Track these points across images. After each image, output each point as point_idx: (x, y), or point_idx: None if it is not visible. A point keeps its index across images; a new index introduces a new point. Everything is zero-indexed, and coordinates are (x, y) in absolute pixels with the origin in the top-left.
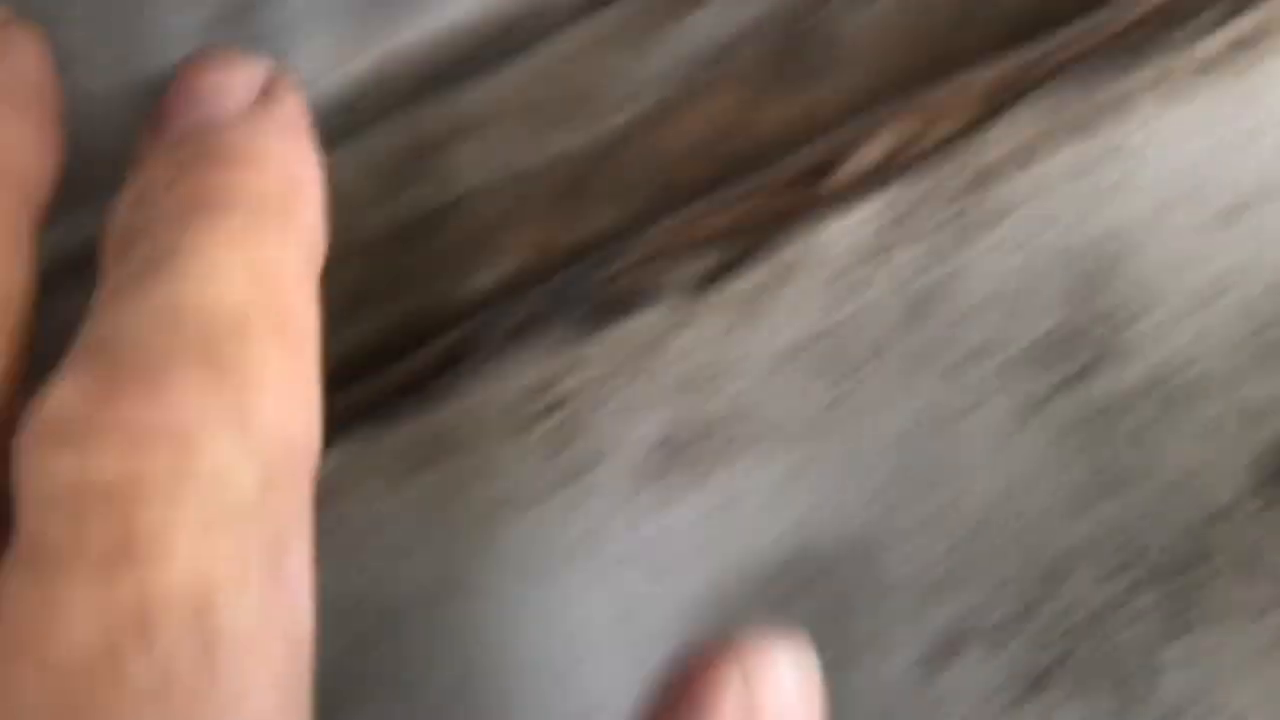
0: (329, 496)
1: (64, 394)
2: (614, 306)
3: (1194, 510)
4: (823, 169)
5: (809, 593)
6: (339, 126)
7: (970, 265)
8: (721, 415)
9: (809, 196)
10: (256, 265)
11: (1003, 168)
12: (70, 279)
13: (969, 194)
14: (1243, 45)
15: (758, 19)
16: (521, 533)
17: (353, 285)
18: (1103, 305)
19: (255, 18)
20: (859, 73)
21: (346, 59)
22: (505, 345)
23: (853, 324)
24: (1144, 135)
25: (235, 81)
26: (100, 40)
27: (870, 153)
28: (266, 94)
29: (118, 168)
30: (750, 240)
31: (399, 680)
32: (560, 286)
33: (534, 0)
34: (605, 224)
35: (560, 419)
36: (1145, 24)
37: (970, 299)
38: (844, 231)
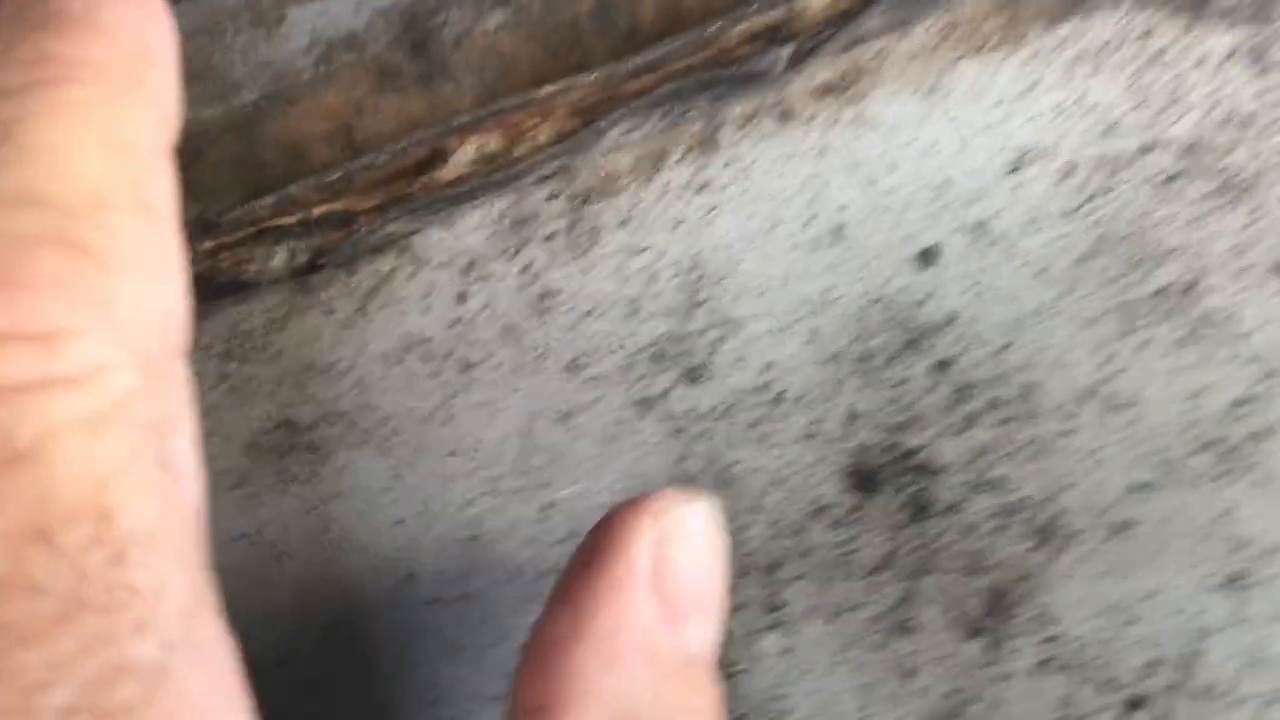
0: None
1: None
2: (224, 287)
3: (792, 509)
4: (433, 164)
5: (418, 584)
6: None
7: (590, 268)
8: (338, 407)
9: (423, 190)
10: (109, 140)
11: (619, 180)
12: None
13: (586, 203)
14: (842, 85)
15: (386, 12)
16: None
17: None
18: (708, 315)
19: None
20: (480, 75)
21: None
22: None
23: (472, 324)
24: (752, 158)
25: None
26: None
27: (483, 152)
28: None
29: None
30: (363, 229)
31: None
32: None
33: None
34: (224, 197)
35: None
36: (739, 59)
37: (589, 300)
38: (465, 231)
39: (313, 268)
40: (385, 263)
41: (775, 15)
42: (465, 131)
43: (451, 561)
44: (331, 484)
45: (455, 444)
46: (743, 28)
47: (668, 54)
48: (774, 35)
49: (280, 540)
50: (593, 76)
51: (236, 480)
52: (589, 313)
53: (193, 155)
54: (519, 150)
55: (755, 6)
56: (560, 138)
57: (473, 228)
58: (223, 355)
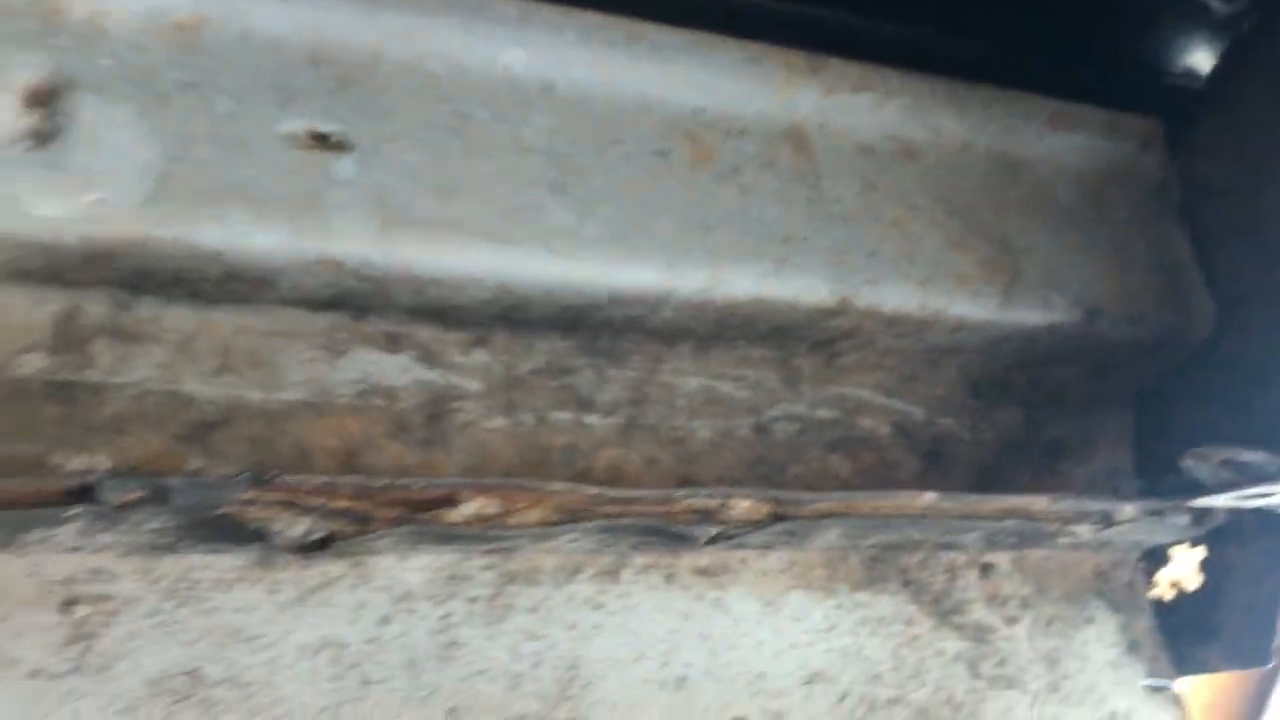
0: None
1: None
2: (238, 532)
3: None
4: (445, 504)
5: None
6: None
7: (495, 636)
8: (244, 675)
9: (430, 521)
10: None
11: (539, 575)
12: None
13: (510, 583)
14: (713, 573)
15: (423, 386)
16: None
17: None
18: (570, 711)
19: None
20: (466, 456)
21: None
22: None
23: (385, 646)
24: (638, 600)
25: None
26: None
27: (484, 511)
28: None
29: None
30: (374, 531)
31: None
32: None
33: None
34: (226, 465)
35: (97, 611)
36: (682, 521)
37: (485, 662)
38: (411, 569)
39: (321, 545)
40: (337, 569)
41: (713, 503)
42: (480, 490)
43: None
44: None
45: None
46: (692, 502)
47: (640, 497)
48: (711, 516)
49: None
50: (586, 490)
51: (124, 707)
52: (479, 672)
53: (221, 422)
54: (509, 519)
55: (704, 494)
56: (540, 523)
57: (418, 568)
58: (167, 591)
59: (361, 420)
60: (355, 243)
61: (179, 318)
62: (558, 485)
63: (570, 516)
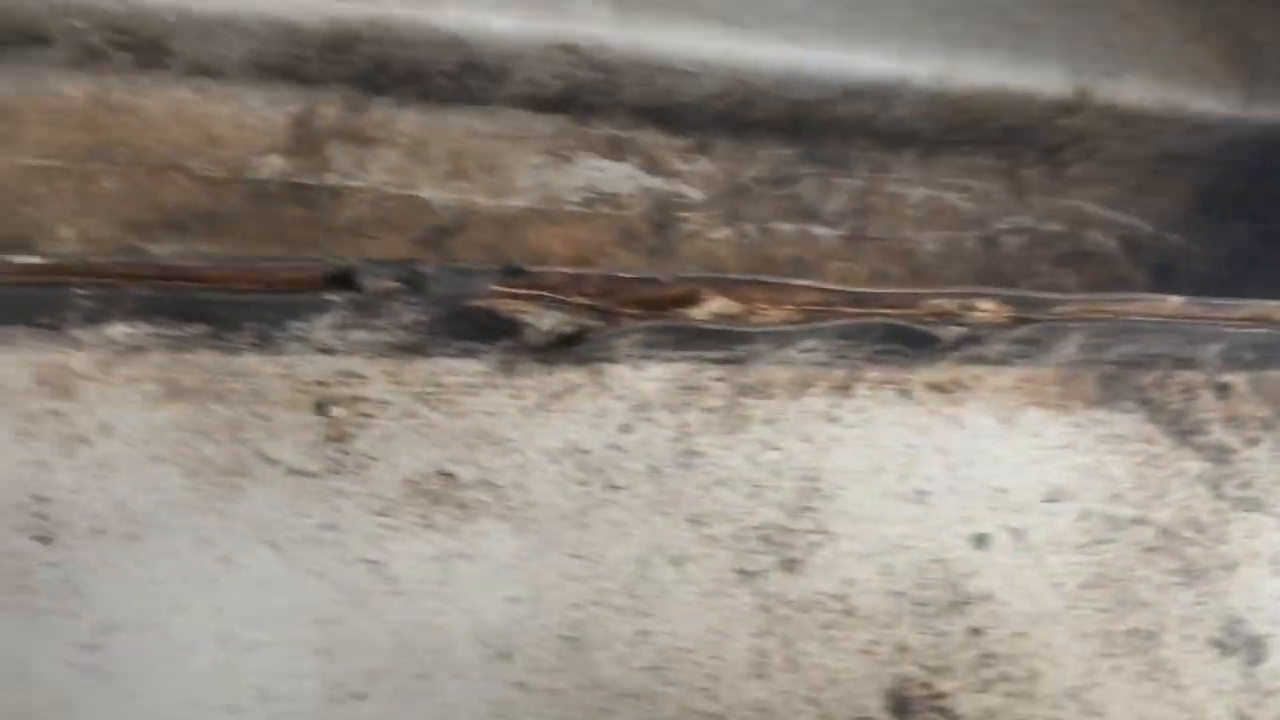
0: None
1: None
2: (490, 324)
3: (840, 711)
4: (687, 302)
5: (511, 664)
6: None
7: (732, 446)
8: (495, 478)
9: (673, 318)
10: None
11: (772, 389)
12: None
13: (743, 395)
14: (948, 389)
15: (648, 191)
16: (273, 492)
17: None
18: (812, 521)
19: None
20: (689, 266)
21: None
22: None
23: (627, 453)
24: (873, 414)
25: None
26: None
27: (726, 310)
28: None
29: None
30: (620, 327)
31: None
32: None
33: None
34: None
35: (351, 413)
36: (926, 323)
37: (725, 471)
38: (647, 379)
39: (571, 340)
40: (578, 376)
41: (956, 304)
42: (721, 287)
43: (547, 653)
44: (466, 543)
45: (582, 549)
46: (937, 303)
47: (883, 296)
48: (954, 319)
49: (401, 577)
50: (830, 287)
51: (382, 508)
52: (721, 481)
53: (456, 228)
54: (750, 320)
55: (949, 293)
56: (782, 322)
57: (653, 378)
58: (417, 395)
59: (590, 228)
60: (593, 24)
61: (411, 120)
62: (802, 281)
63: (810, 317)
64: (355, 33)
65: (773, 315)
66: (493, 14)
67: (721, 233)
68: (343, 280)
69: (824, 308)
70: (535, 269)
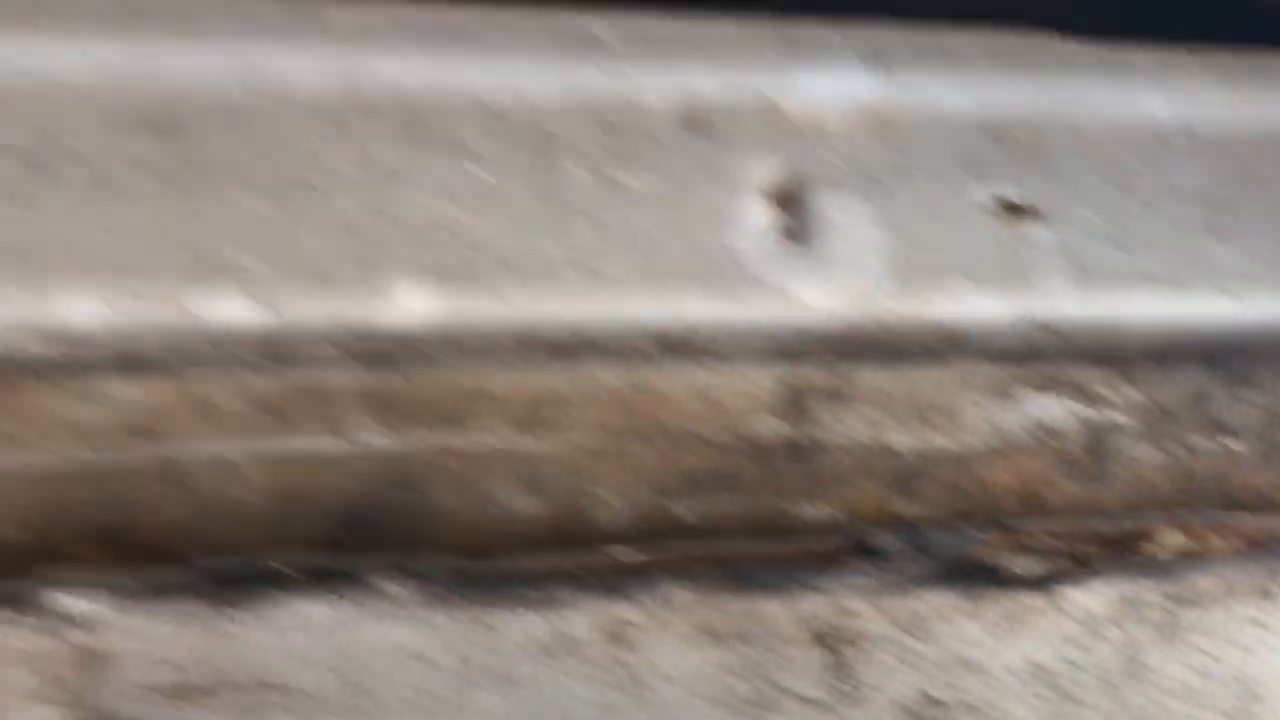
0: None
1: None
2: (978, 570)
3: None
4: (1132, 541)
5: None
6: None
7: (1173, 656)
8: (972, 699)
9: (1112, 556)
10: None
11: (1200, 598)
12: None
13: (1185, 604)
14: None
15: (1082, 421)
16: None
17: None
18: None
19: None
20: (1128, 488)
21: None
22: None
23: (1083, 668)
24: None
25: None
26: None
27: (1180, 544)
28: None
29: None
30: (1067, 568)
31: None
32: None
33: None
34: (937, 509)
35: (846, 644)
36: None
37: (1169, 681)
38: (1091, 597)
39: (1042, 582)
40: (1033, 599)
41: None
42: (1179, 523)
43: None
44: None
45: None
46: None
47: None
48: None
49: None
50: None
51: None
52: (1165, 690)
53: (920, 469)
54: (1201, 553)
55: None
56: (1225, 552)
57: (1099, 594)
58: (903, 627)
59: (1035, 459)
60: (1056, 300)
61: (880, 379)
62: (1253, 520)
63: (1254, 546)
64: (861, 330)
65: (1218, 546)
66: (974, 300)
67: (1146, 452)
68: (855, 546)
69: (1268, 538)
70: (1024, 523)
